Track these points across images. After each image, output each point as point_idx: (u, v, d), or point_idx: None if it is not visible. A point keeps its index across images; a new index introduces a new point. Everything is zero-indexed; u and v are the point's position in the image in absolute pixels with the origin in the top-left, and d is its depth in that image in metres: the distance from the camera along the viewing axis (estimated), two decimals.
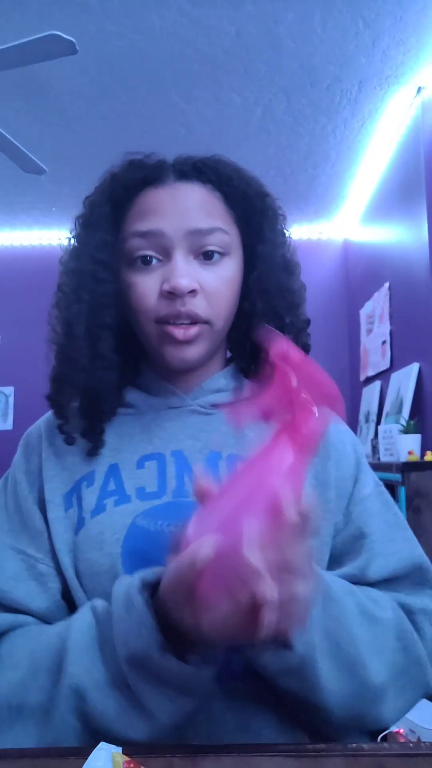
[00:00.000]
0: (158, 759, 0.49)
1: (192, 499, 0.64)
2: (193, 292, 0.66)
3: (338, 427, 0.75)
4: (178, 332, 0.66)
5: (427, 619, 0.64)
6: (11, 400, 4.18)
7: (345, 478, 0.70)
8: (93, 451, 0.69)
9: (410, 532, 0.71)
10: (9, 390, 4.18)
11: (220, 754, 0.51)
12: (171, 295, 0.65)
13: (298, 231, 4.14)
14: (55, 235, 4.22)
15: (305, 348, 0.74)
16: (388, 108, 2.85)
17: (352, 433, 0.77)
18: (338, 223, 4.13)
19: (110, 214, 0.69)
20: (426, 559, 0.69)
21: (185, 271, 0.65)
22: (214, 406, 0.72)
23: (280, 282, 0.72)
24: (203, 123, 2.93)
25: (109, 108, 2.78)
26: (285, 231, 0.75)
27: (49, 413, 0.74)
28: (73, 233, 0.73)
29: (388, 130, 3.03)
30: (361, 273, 3.82)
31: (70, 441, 0.69)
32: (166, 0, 2.17)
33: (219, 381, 0.73)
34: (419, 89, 2.71)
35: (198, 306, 0.66)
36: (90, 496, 0.66)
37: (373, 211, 3.56)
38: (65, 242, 0.74)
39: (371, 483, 0.72)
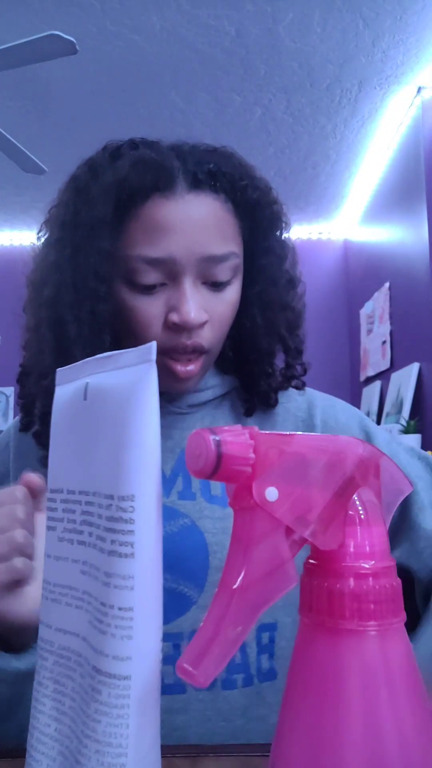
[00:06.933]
0: None
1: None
2: (202, 324, 0.60)
3: (344, 407, 0.73)
4: (181, 369, 0.61)
5: None
6: (11, 400, 4.18)
7: None
8: None
9: None
10: (9, 390, 4.18)
11: (220, 754, 0.51)
12: (177, 326, 0.60)
13: (298, 231, 4.13)
14: None
15: (302, 369, 0.71)
16: (388, 108, 2.85)
17: (357, 411, 0.74)
18: (338, 223, 4.13)
19: (114, 220, 0.60)
20: None
21: (195, 302, 0.59)
22: (191, 405, 0.69)
23: (282, 298, 0.68)
24: (203, 123, 2.93)
25: (109, 108, 2.78)
26: (288, 241, 0.69)
27: (16, 421, 0.71)
28: (62, 233, 0.62)
29: (388, 130, 3.03)
30: (361, 273, 3.82)
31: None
32: (166, 0, 2.17)
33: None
34: (419, 89, 2.71)
35: (204, 337, 0.61)
36: None
37: (373, 211, 3.56)
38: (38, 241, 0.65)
39: (384, 445, 0.69)
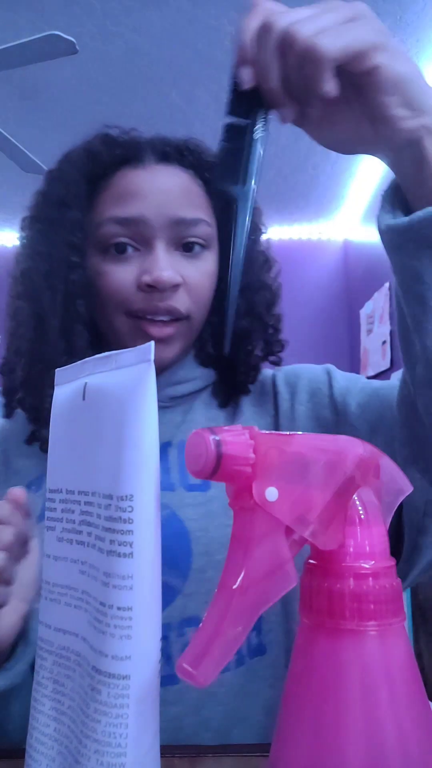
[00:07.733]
0: None
1: None
2: (175, 286, 0.60)
3: (306, 366, 0.72)
4: (155, 330, 0.61)
5: None
6: None
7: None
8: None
9: None
10: None
11: (220, 754, 0.51)
12: (150, 288, 0.59)
13: (298, 231, 4.13)
14: None
15: (280, 346, 0.72)
16: None
17: (320, 370, 0.73)
18: (338, 223, 4.13)
19: (85, 192, 0.63)
20: None
21: (168, 263, 0.60)
22: (172, 398, 0.68)
23: (259, 279, 0.69)
24: (203, 123, 2.92)
25: (109, 108, 2.78)
26: (261, 226, 0.71)
27: None
28: (37, 211, 0.66)
29: None
30: (361, 273, 3.82)
31: (45, 447, 0.63)
32: (166, 0, 2.17)
33: (178, 373, 0.68)
34: None
35: (179, 300, 0.61)
36: (37, 501, 0.62)
37: (373, 211, 3.56)
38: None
39: (353, 384, 0.69)
